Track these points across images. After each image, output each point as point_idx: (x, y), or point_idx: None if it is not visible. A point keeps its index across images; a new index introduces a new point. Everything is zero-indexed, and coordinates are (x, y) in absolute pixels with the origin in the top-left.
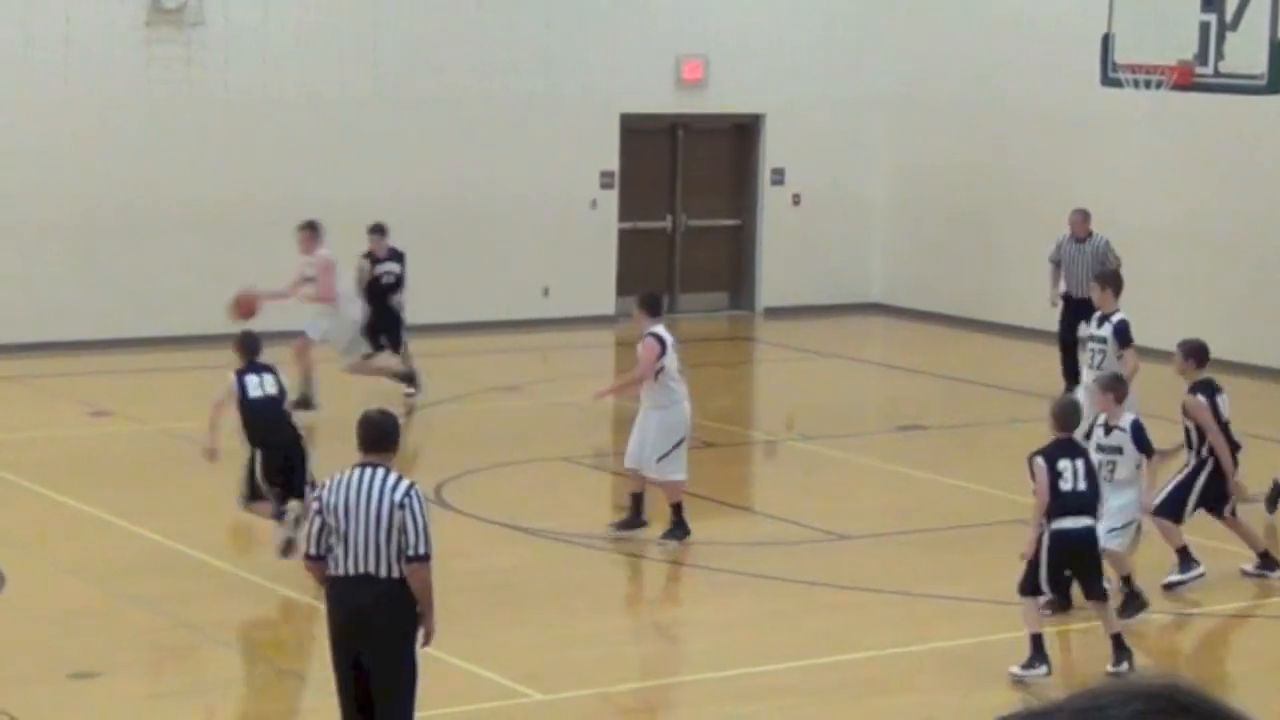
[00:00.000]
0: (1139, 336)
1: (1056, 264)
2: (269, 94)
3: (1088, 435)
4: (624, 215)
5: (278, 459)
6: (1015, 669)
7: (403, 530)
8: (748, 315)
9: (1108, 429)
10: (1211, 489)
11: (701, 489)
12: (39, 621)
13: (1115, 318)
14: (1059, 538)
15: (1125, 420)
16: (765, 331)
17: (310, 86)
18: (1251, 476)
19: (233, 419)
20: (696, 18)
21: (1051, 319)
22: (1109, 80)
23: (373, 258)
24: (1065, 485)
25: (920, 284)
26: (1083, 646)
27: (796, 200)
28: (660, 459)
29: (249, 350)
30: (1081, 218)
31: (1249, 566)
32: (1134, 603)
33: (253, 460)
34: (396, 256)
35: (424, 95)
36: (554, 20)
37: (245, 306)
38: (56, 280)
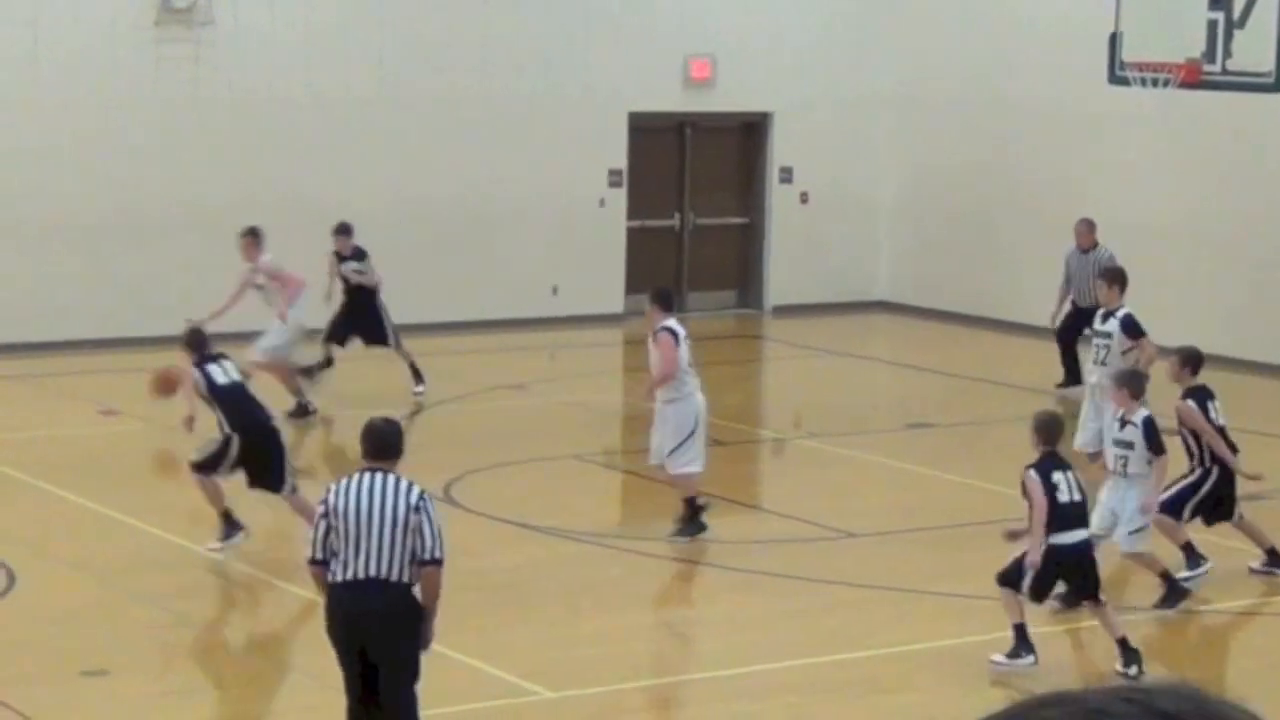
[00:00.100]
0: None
1: (1067, 281)
2: (277, 94)
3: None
4: (632, 214)
5: (257, 443)
6: (999, 658)
7: (417, 534)
8: (756, 313)
9: (1122, 423)
10: (1211, 498)
11: (710, 487)
12: (47, 620)
13: (1120, 312)
14: (1055, 552)
15: (1139, 416)
16: (773, 329)
17: (318, 86)
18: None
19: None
20: (704, 17)
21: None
22: (1117, 79)
23: (339, 256)
24: (1062, 498)
25: (927, 282)
26: (1095, 644)
27: (804, 199)
28: (672, 451)
29: (199, 344)
30: (1087, 228)
31: (1256, 564)
32: (1175, 594)
33: (227, 444)
34: (360, 255)
35: (431, 95)
36: (562, 20)
37: (165, 384)
38: (63, 280)
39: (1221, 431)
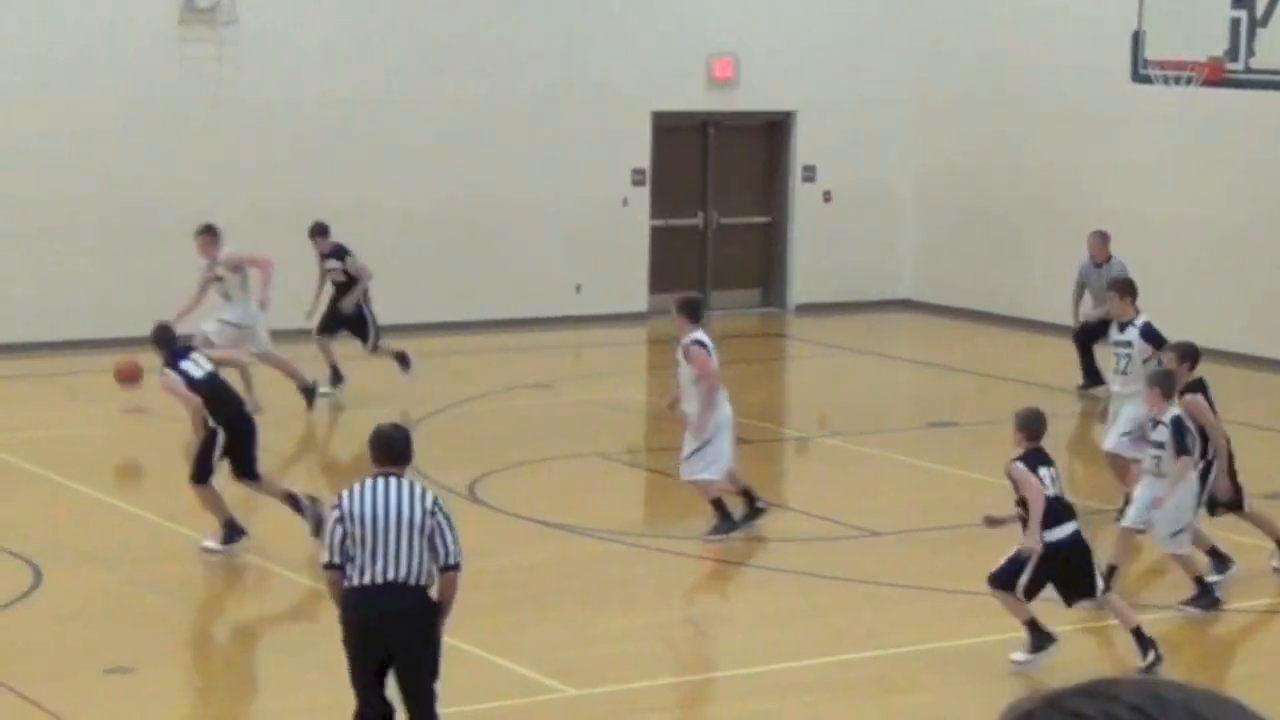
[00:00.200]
0: (1164, 333)
1: (1081, 288)
2: (300, 93)
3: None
4: (656, 213)
5: (240, 431)
6: (1021, 656)
7: (433, 539)
8: (779, 312)
9: (1155, 423)
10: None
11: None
12: (71, 617)
13: (1139, 321)
14: (1053, 549)
15: (1169, 415)
16: (796, 328)
17: (341, 86)
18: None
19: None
20: (727, 16)
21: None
22: (1139, 77)
23: (321, 256)
24: (1049, 492)
25: (949, 280)
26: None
27: (827, 197)
28: (687, 457)
29: (168, 341)
30: (1100, 240)
31: (1276, 562)
32: (1206, 599)
33: (211, 440)
34: (339, 253)
35: (453, 95)
36: (585, 19)
37: (127, 373)
38: (87, 278)
39: None
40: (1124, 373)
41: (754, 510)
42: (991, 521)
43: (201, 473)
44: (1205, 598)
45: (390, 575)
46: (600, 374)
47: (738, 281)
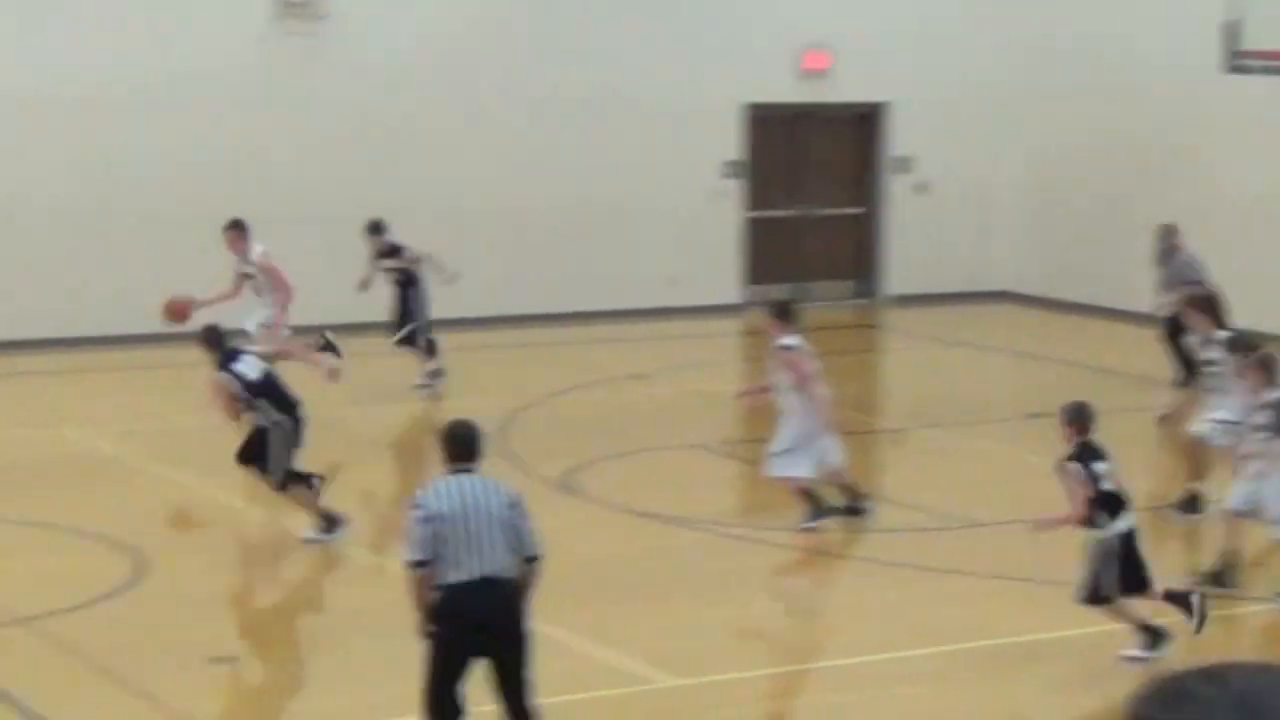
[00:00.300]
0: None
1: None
2: (392, 89)
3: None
4: (749, 205)
5: (302, 425)
6: (1134, 651)
7: (517, 530)
8: (873, 303)
9: (1261, 407)
10: None
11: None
12: (177, 606)
13: (1222, 335)
14: (1126, 540)
15: (1273, 397)
16: (891, 319)
17: (434, 82)
18: None
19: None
20: (819, 8)
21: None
22: (1234, 68)
23: (378, 255)
24: (1108, 485)
25: (1047, 271)
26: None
27: (922, 188)
28: (776, 454)
29: (216, 341)
30: (1167, 232)
31: None
32: None
33: (282, 431)
34: (394, 251)
35: (549, 89)
36: (678, 13)
37: (177, 311)
38: (182, 271)
39: None
40: (1217, 388)
41: (855, 508)
42: (1043, 525)
43: (289, 480)
44: None
45: (486, 570)
46: (695, 365)
47: (831, 273)
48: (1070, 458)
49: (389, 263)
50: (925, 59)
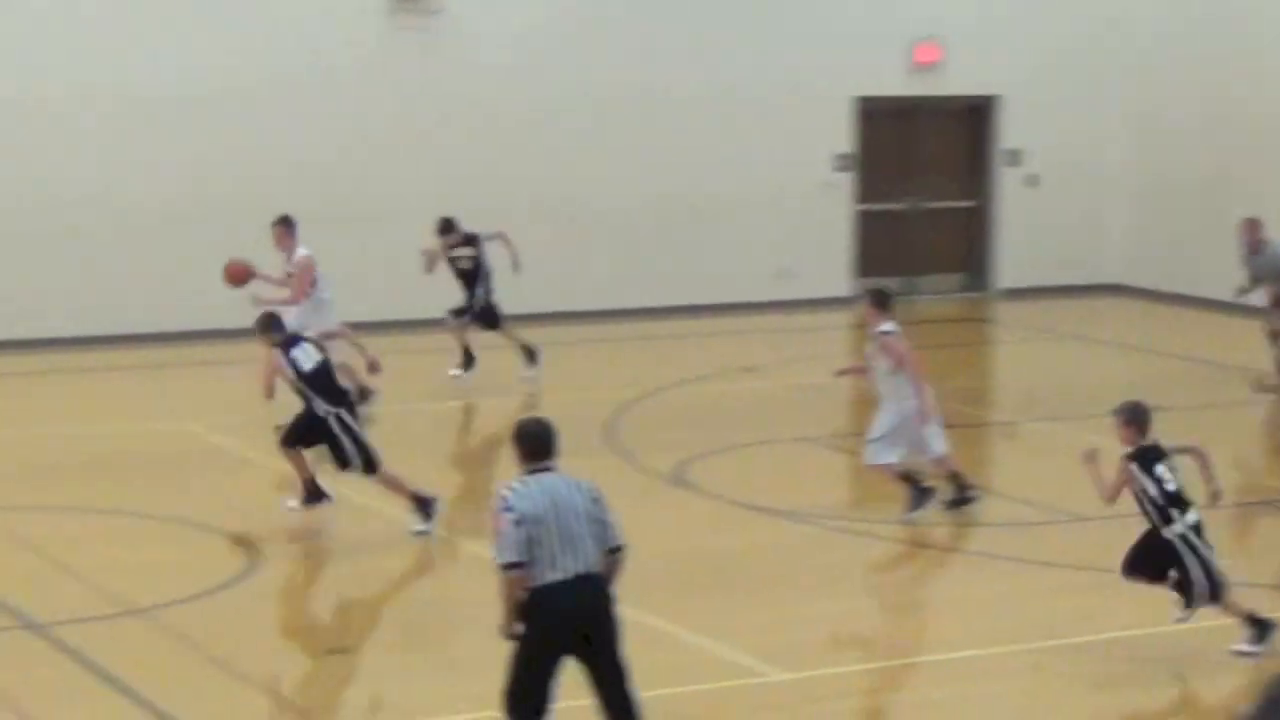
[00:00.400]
0: None
1: (1254, 280)
2: (506, 84)
3: None
4: (860, 198)
5: (353, 414)
6: (1244, 646)
7: (600, 524)
8: (984, 296)
9: None
10: None
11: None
12: (291, 598)
13: None
14: (1199, 530)
15: None
16: (1001, 312)
17: (547, 77)
18: None
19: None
20: (930, 1)
21: None
22: None
23: (448, 246)
24: (1170, 487)
25: (1159, 264)
26: None
27: (1033, 181)
28: (873, 440)
29: (277, 327)
30: (1251, 226)
31: None
32: None
33: (343, 425)
34: (470, 240)
35: (661, 84)
36: (790, 6)
37: (237, 274)
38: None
39: None
40: None
41: (964, 497)
42: (1090, 459)
43: (370, 463)
44: None
45: (581, 567)
46: (804, 358)
47: (942, 266)
48: (1130, 457)
49: (465, 251)
50: (1035, 51)
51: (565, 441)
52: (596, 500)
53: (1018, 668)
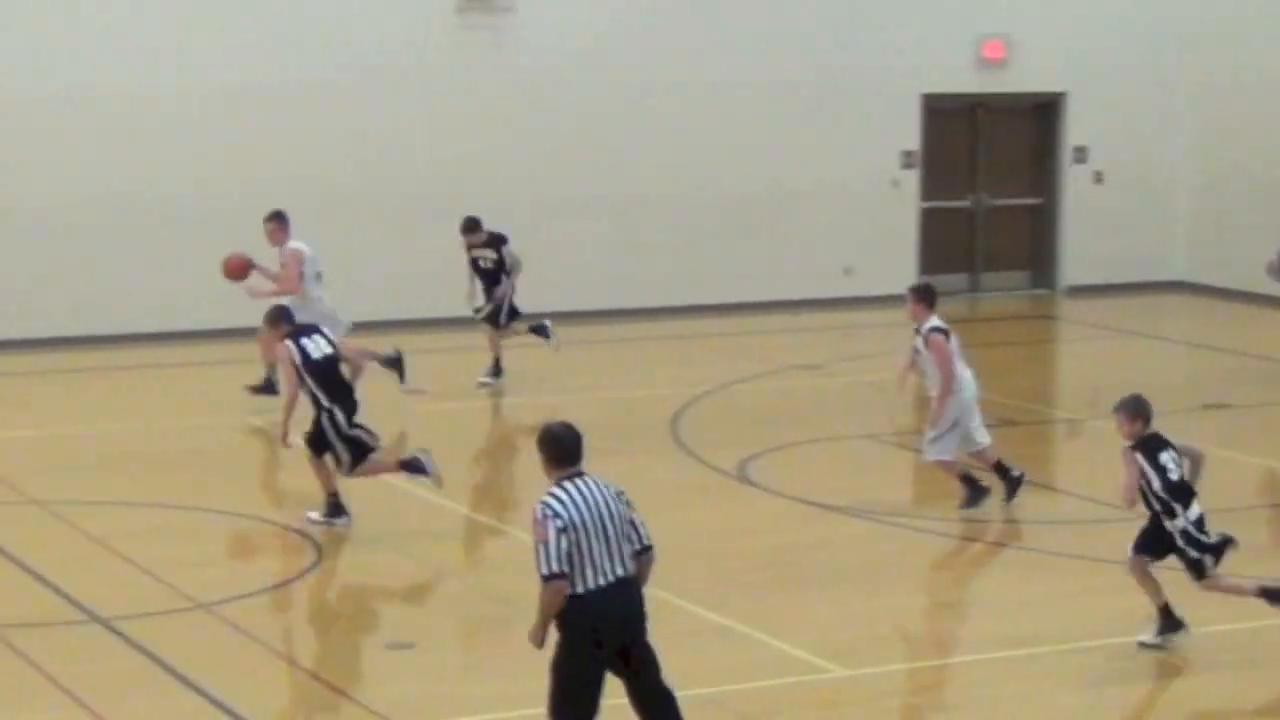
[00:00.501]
0: None
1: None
2: (577, 81)
3: None
4: (926, 194)
5: (352, 412)
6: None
7: (632, 524)
8: (1049, 294)
9: None
10: None
11: None
12: (359, 593)
13: None
14: (1201, 525)
15: None
16: (1067, 310)
17: (618, 72)
18: None
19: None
20: None
21: None
22: None
23: (470, 246)
24: (1174, 476)
25: (1225, 261)
26: None
27: (1099, 178)
28: (933, 440)
29: (287, 319)
30: None
31: None
32: None
33: (320, 420)
34: (496, 242)
35: (726, 79)
36: (858, 2)
37: (236, 267)
38: (368, 260)
39: None
40: None
41: (1012, 480)
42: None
43: (353, 464)
44: None
45: (620, 571)
46: (870, 355)
47: (1007, 263)
48: (1134, 447)
49: (487, 251)
50: (1103, 49)
51: (631, 439)
52: (626, 502)
53: (1080, 665)
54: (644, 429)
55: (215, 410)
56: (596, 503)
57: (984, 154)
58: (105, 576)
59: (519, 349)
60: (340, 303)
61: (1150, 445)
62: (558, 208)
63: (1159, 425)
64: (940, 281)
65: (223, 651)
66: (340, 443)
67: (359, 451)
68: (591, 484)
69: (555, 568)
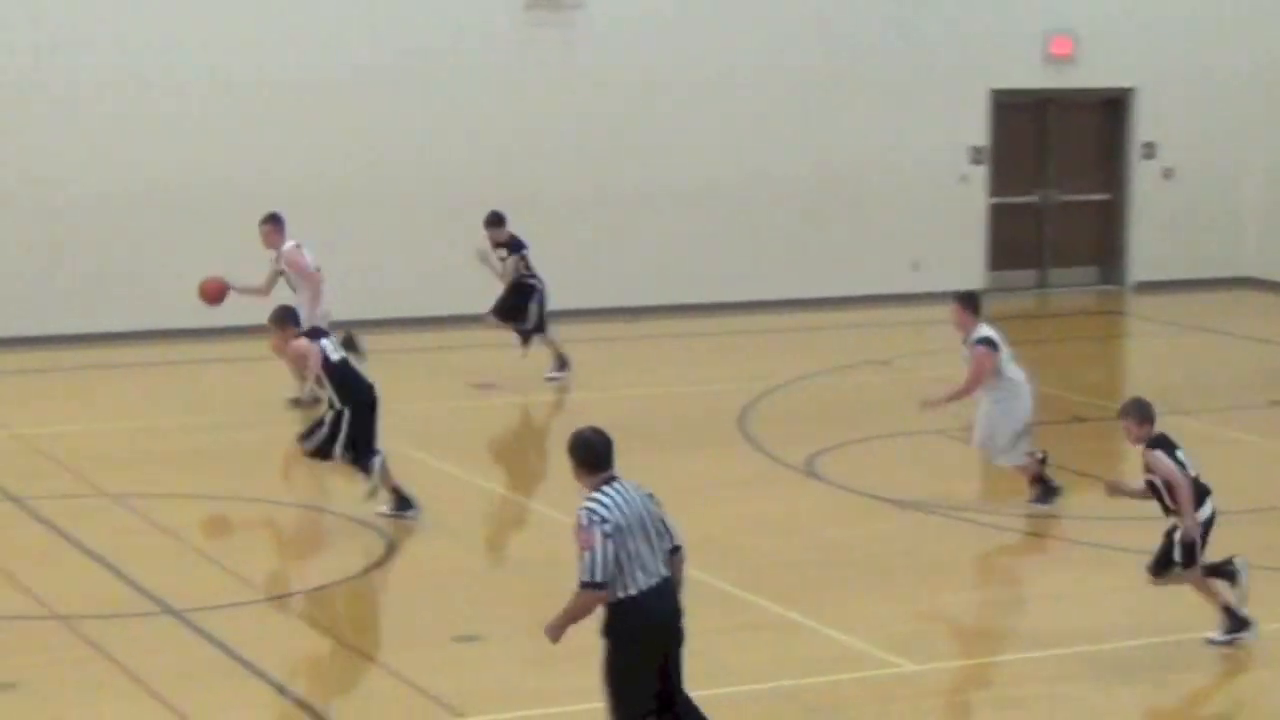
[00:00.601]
0: None
1: None
2: (645, 77)
3: None
4: (994, 190)
5: (366, 416)
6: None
7: (664, 524)
8: (1118, 289)
9: None
10: None
11: (1069, 462)
12: (422, 586)
13: None
14: (1209, 525)
15: None
16: (1136, 306)
17: (686, 67)
18: None
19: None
20: None
21: None
22: None
23: (493, 244)
24: (1192, 473)
25: None
26: None
27: (1168, 174)
28: (1004, 451)
29: (294, 319)
30: None
31: None
32: None
33: (338, 421)
34: (515, 246)
35: (794, 72)
36: None
37: (212, 291)
38: (434, 256)
39: None
40: None
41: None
42: (1114, 489)
43: (325, 451)
44: None
45: (663, 571)
46: (939, 351)
47: (1076, 259)
48: (1151, 446)
49: (502, 252)
50: (1172, 45)
51: (699, 433)
52: (659, 503)
53: (1143, 661)
54: (713, 423)
55: (264, 406)
56: (634, 505)
57: (1053, 150)
58: (178, 568)
59: (580, 343)
60: (406, 298)
61: (1166, 445)
62: (626, 200)
63: (1231, 420)
64: (1008, 277)
65: (293, 642)
66: (342, 444)
67: (356, 457)
68: (628, 487)
69: (599, 576)
